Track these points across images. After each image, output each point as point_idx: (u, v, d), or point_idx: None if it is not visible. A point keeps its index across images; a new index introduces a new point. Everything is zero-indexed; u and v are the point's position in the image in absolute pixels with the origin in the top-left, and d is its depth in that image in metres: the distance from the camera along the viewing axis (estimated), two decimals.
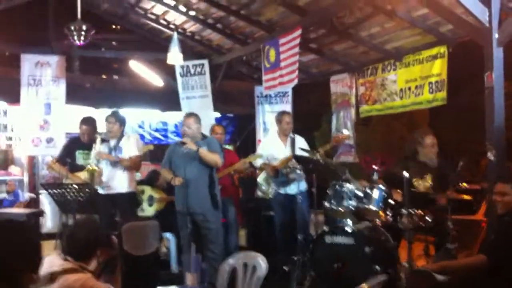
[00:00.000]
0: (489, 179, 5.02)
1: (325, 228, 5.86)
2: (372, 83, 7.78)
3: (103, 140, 6.25)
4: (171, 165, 5.98)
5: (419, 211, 5.36)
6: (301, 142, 6.86)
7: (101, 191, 6.19)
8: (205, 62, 8.90)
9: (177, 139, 9.76)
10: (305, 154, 6.42)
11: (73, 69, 9.48)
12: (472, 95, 5.74)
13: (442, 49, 6.47)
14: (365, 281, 4.73)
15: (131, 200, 6.39)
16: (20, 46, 8.53)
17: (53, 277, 3.05)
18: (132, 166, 6.33)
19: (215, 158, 5.82)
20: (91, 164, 6.00)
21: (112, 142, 6.31)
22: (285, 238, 6.75)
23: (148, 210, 7.26)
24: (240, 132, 10.57)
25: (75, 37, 6.73)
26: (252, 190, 7.57)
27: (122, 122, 6.40)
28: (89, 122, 6.85)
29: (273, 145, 6.97)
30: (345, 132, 7.82)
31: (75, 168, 6.47)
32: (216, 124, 7.71)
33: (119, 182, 6.26)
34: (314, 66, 8.95)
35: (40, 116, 8.17)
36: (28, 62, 8.18)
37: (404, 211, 5.30)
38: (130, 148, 6.33)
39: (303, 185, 6.67)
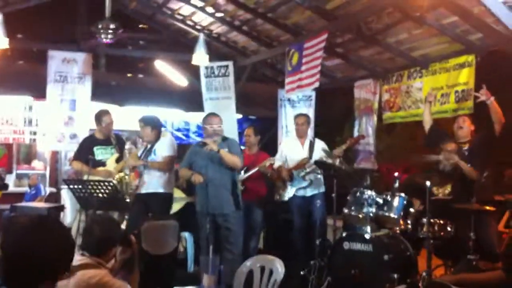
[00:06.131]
0: None
1: (344, 234, 5.83)
2: (397, 90, 7.70)
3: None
4: (191, 167, 5.96)
5: (440, 220, 5.30)
6: (320, 146, 6.87)
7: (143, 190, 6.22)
8: (230, 63, 8.89)
9: (198, 139, 9.80)
10: (326, 159, 6.40)
11: (99, 67, 9.58)
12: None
13: (470, 58, 6.37)
14: None
15: (164, 201, 6.34)
16: (47, 42, 8.63)
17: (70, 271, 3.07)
18: (162, 167, 6.27)
19: (235, 160, 5.80)
20: (123, 172, 5.99)
21: (149, 146, 6.32)
22: (302, 242, 6.73)
23: None
24: (262, 135, 10.51)
25: (102, 35, 6.81)
26: (271, 192, 7.54)
27: (152, 124, 6.31)
28: (109, 113, 6.85)
29: (291, 146, 7.05)
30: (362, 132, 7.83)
31: (97, 164, 6.50)
32: (250, 127, 7.67)
33: (154, 182, 6.25)
34: (339, 71, 8.89)
35: (65, 112, 8.23)
36: (55, 58, 8.24)
37: (424, 220, 5.25)
38: (163, 149, 6.32)
39: (321, 189, 6.66)
